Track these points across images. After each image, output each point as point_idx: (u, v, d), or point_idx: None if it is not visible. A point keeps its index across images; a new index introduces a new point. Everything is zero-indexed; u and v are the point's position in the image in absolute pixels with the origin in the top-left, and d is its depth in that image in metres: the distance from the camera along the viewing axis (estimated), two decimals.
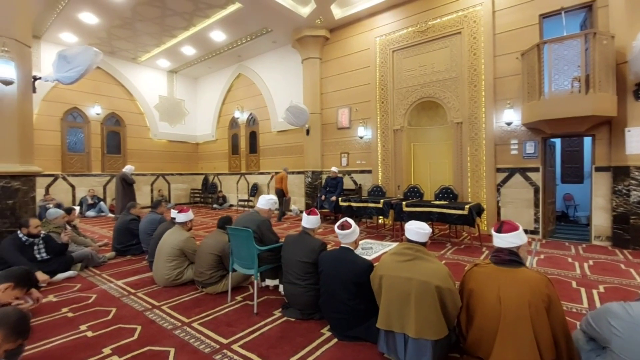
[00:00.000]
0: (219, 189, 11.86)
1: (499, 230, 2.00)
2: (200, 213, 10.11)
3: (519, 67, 5.78)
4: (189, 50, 10.00)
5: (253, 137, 10.84)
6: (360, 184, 7.98)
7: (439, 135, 7.26)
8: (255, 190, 10.37)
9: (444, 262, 4.30)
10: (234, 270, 3.10)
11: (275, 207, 3.21)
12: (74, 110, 9.89)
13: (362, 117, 7.82)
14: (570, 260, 4.41)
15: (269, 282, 3.33)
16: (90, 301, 3.17)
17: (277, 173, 8.66)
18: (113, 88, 10.66)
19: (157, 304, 3.07)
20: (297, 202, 9.33)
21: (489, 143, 6.08)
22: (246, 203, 10.29)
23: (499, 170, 6.06)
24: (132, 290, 3.42)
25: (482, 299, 1.89)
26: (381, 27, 7.47)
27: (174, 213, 3.88)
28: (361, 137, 7.83)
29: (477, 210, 4.93)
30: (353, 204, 5.98)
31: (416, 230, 2.11)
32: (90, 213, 9.47)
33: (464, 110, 6.34)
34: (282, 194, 7.96)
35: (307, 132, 8.64)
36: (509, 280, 1.84)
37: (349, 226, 2.44)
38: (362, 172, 7.99)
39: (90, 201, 9.69)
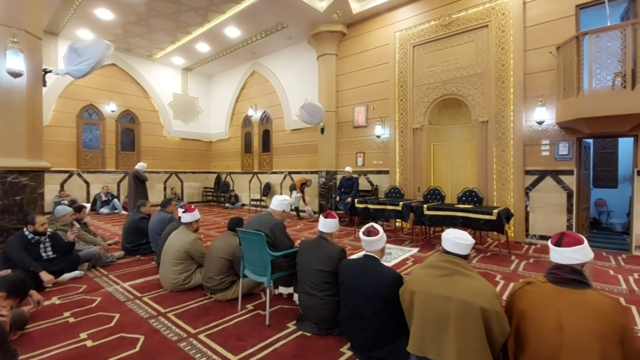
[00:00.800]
0: (231, 188, 11.74)
1: (558, 244, 1.68)
2: (212, 212, 9.98)
3: (552, 62, 5.37)
4: (203, 47, 9.90)
5: (266, 135, 10.66)
6: (376, 185, 7.67)
7: (461, 134, 6.88)
8: (267, 190, 10.18)
9: None
10: (245, 277, 2.86)
11: (291, 208, 2.95)
12: (89, 107, 9.92)
13: (380, 116, 7.50)
14: (612, 272, 4.00)
15: (283, 290, 3.08)
16: (94, 305, 2.99)
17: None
18: (128, 85, 10.67)
19: (162, 310, 2.86)
20: (311, 202, 9.08)
21: (517, 143, 5.68)
22: (258, 203, 10.11)
23: (528, 172, 5.65)
24: (138, 294, 3.23)
25: (537, 324, 1.58)
26: (401, 22, 7.14)
27: (179, 212, 3.69)
28: (378, 136, 7.52)
29: (506, 215, 4.55)
30: (370, 206, 5.68)
31: (455, 240, 1.81)
32: (104, 210, 9.47)
33: (490, 108, 5.95)
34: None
35: (322, 130, 8.39)
36: (571, 304, 1.53)
37: (375, 232, 2.17)
38: (378, 172, 7.67)
39: (104, 198, 9.70)
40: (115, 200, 9.79)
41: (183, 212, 3.47)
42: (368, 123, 7.82)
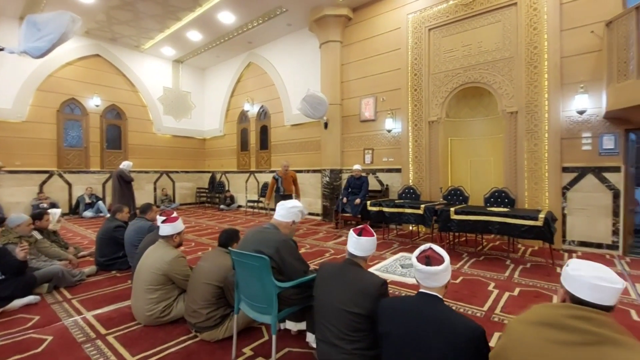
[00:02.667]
0: (226, 188, 10.97)
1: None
2: (206, 215, 9.21)
3: (593, 42, 4.68)
4: (195, 36, 9.10)
5: (264, 132, 9.90)
6: (387, 185, 6.94)
7: (483, 128, 6.18)
8: (266, 190, 9.40)
9: (517, 289, 3.25)
10: (240, 311, 2.12)
11: (302, 217, 2.20)
12: (71, 102, 9.10)
13: (390, 108, 6.77)
14: None
15: (291, 326, 2.34)
16: (40, 349, 2.24)
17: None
18: (114, 78, 9.85)
19: (131, 358, 2.12)
20: (313, 204, 8.35)
21: (553, 137, 4.97)
22: (256, 204, 9.35)
23: (565, 169, 4.95)
24: (103, 331, 2.47)
25: None
26: (415, 2, 6.40)
27: (158, 220, 2.94)
28: (389, 131, 6.79)
29: (551, 220, 3.84)
30: (385, 209, 4.95)
31: (597, 281, 1.07)
32: (88, 213, 8.68)
33: (520, 97, 5.24)
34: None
35: (325, 125, 7.64)
36: None
37: (440, 260, 1.44)
38: (389, 171, 6.94)
39: (87, 200, 8.91)
40: (100, 202, 8.99)
41: (162, 221, 2.72)
42: (377, 116, 7.08)
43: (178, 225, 2.72)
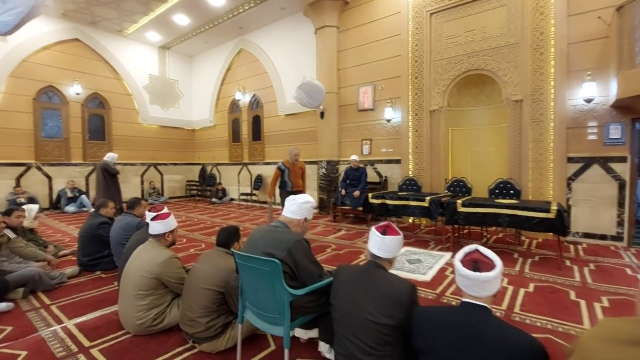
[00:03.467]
0: (218, 180, 10.60)
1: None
2: (197, 208, 8.87)
3: (601, 28, 4.52)
4: (182, 20, 8.61)
5: (257, 122, 9.53)
6: (385, 177, 6.74)
7: (484, 117, 6.00)
8: (259, 183, 9.12)
9: (531, 285, 3.09)
10: (244, 319, 1.88)
11: (312, 214, 1.95)
12: (49, 89, 8.53)
13: (390, 97, 6.52)
14: None
15: (300, 334, 2.11)
16: None
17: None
18: (96, 65, 9.28)
19: None
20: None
21: (558, 126, 4.83)
22: (249, 197, 9.05)
23: (570, 160, 4.83)
24: (86, 343, 2.19)
25: None
26: None
27: (148, 216, 2.66)
28: (388, 121, 6.56)
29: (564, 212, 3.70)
30: (388, 202, 4.75)
31: None
32: (70, 208, 8.23)
33: (525, 85, 5.07)
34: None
35: (322, 115, 7.36)
36: None
37: (490, 265, 1.22)
38: (388, 162, 6.73)
39: (69, 194, 8.44)
40: (84, 196, 8.54)
41: (152, 218, 2.43)
42: (375, 105, 6.83)
43: (170, 223, 2.44)
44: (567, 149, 4.82)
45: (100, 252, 3.62)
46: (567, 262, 3.81)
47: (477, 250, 1.28)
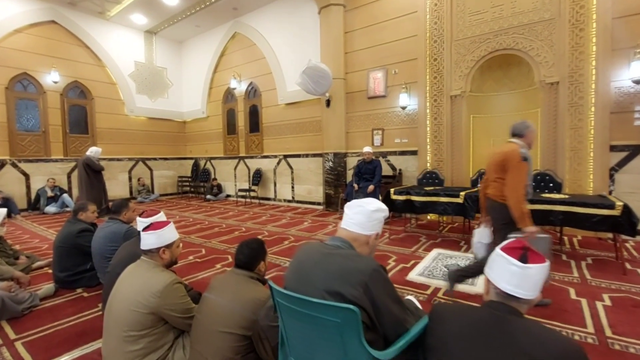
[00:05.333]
0: (212, 176, 9.92)
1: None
2: (190, 206, 8.20)
3: None
4: (170, 0, 7.82)
5: (254, 112, 8.85)
6: (399, 169, 6.20)
7: (508, 103, 5.49)
8: (258, 178, 8.48)
9: (605, 296, 2.59)
10: None
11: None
12: (23, 77, 7.68)
13: (405, 82, 5.94)
14: None
15: None
16: None
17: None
18: (75, 50, 8.42)
19: None
20: (313, 192, 7.52)
21: (600, 111, 4.33)
22: (247, 193, 8.42)
23: (614, 148, 4.35)
24: None
25: None
26: None
27: (140, 223, 2.07)
28: (403, 108, 5.99)
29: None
30: (414, 198, 4.19)
31: None
32: (51, 209, 7.48)
33: (562, 66, 4.54)
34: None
35: (328, 103, 6.74)
36: None
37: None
38: (402, 153, 6.19)
39: (50, 193, 7.68)
40: (65, 195, 7.79)
41: (144, 229, 1.82)
42: (388, 92, 6.25)
43: (166, 234, 1.82)
44: (610, 136, 4.33)
45: (81, 266, 2.98)
46: (628, 266, 3.33)
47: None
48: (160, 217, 2.15)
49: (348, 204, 1.28)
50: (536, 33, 4.72)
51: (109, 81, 9.00)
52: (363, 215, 1.22)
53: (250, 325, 1.43)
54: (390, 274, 3.20)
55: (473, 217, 3.77)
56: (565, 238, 4.34)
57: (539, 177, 4.32)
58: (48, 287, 2.88)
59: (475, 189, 4.24)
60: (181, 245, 1.96)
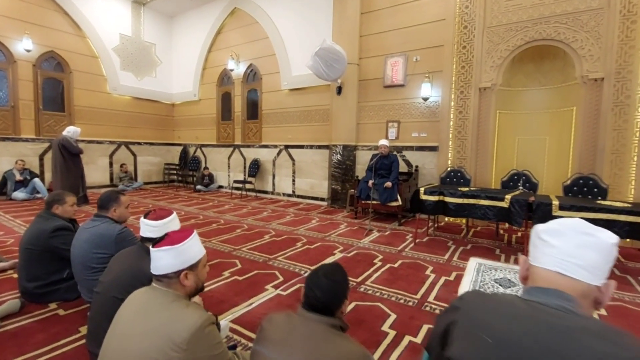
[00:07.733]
0: (203, 165, 9.17)
1: None
2: (180, 197, 7.49)
3: None
4: None
5: (253, 97, 8.15)
6: (416, 166, 5.73)
7: (538, 100, 5.10)
8: (255, 169, 7.83)
9: None
10: None
11: None
12: None
13: (428, 71, 5.44)
14: None
15: None
16: None
17: None
18: (53, 16, 7.44)
19: None
20: (317, 186, 6.97)
21: None
22: (242, 185, 7.76)
23: None
24: None
25: None
26: None
27: (145, 229, 1.49)
28: (425, 99, 5.49)
29: None
30: (449, 200, 3.71)
31: None
32: (20, 194, 6.59)
33: (609, 61, 4.15)
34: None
35: (339, 90, 6.16)
36: None
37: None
38: (420, 149, 5.71)
39: (18, 177, 6.77)
40: (37, 180, 6.89)
41: (156, 243, 1.23)
42: (407, 81, 5.73)
43: (190, 250, 1.24)
44: None
45: (56, 275, 2.33)
46: None
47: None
48: (174, 220, 1.56)
49: (550, 228, 0.75)
50: (581, 23, 4.30)
51: (90, 54, 8.04)
52: (597, 252, 0.68)
53: None
54: (434, 290, 2.71)
55: (520, 224, 3.34)
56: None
57: (581, 181, 3.94)
58: (11, 302, 2.22)
59: (519, 192, 3.81)
60: (207, 265, 1.38)
